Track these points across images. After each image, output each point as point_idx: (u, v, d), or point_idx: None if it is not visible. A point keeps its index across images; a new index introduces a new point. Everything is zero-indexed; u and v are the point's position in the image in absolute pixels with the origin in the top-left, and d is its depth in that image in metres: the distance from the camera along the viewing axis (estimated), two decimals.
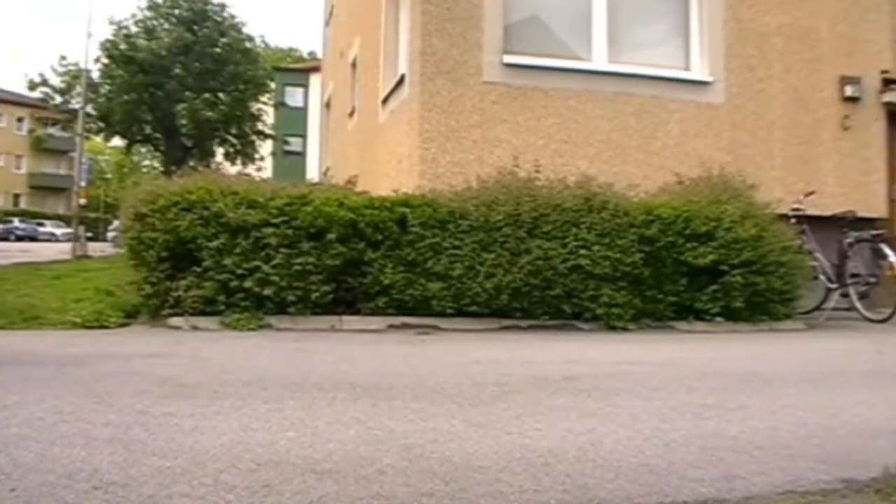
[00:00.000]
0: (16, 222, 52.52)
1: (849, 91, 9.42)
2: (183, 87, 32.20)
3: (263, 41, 39.37)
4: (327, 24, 20.96)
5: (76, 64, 32.68)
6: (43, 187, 65.83)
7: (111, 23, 32.95)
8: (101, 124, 33.82)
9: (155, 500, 1.98)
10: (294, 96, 47.17)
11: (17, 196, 64.28)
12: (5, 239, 43.90)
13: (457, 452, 2.48)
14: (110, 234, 36.17)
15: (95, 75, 32.45)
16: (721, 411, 3.19)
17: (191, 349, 4.96)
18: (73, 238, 22.64)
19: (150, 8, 34.03)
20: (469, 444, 2.58)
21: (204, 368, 4.17)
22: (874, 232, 8.10)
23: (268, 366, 4.38)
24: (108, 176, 62.23)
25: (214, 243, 6.16)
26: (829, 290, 8.13)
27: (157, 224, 6.22)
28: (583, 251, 6.50)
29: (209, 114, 32.12)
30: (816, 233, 8.23)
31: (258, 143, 38.00)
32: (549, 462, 2.40)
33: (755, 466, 2.40)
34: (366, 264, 6.37)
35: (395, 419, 2.90)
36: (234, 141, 36.35)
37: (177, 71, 32.09)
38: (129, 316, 6.40)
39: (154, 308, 6.28)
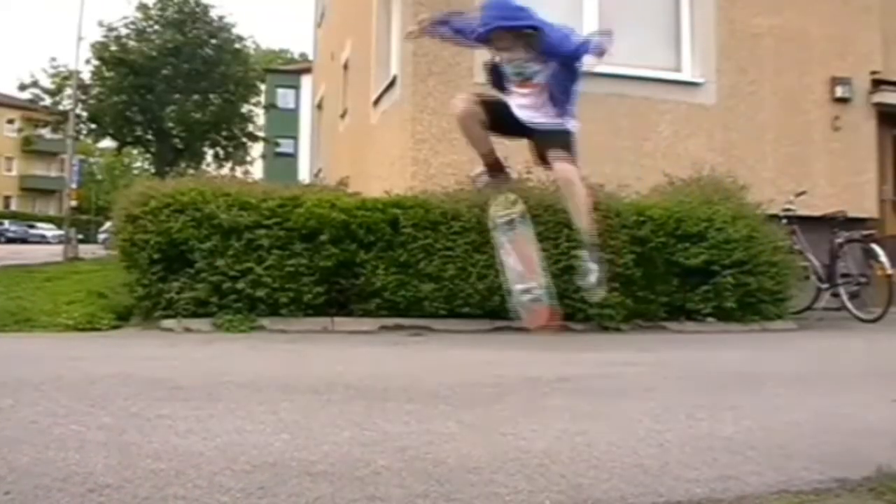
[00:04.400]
0: (6, 224, 52.31)
1: (839, 92, 9.48)
2: (173, 89, 32.10)
3: (254, 42, 39.32)
4: (319, 25, 20.95)
5: (66, 65, 32.57)
6: (34, 189, 65.61)
7: (101, 25, 32.82)
8: (92, 126, 33.69)
9: (150, 503, 1.97)
10: (285, 98, 47.13)
11: (7, 198, 64.06)
12: None
13: (451, 454, 2.48)
14: (101, 236, 36.07)
15: (86, 76, 32.33)
16: (714, 411, 3.19)
17: (184, 351, 4.95)
18: (65, 240, 22.56)
19: (140, 9, 33.92)
20: (464, 446, 2.58)
21: (197, 370, 4.16)
22: (865, 232, 8.14)
23: (261, 368, 4.37)
24: (100, 177, 62.05)
25: (207, 245, 6.15)
26: (819, 290, 8.17)
27: (149, 226, 6.21)
28: (574, 252, 6.50)
29: (197, 116, 32.02)
30: (807, 233, 8.26)
31: (249, 145, 37.91)
32: (544, 463, 2.40)
33: (749, 466, 2.41)
34: (358, 266, 6.37)
35: (389, 421, 2.89)
36: (225, 143, 36.23)
37: (165, 72, 31.95)
38: (122, 318, 6.39)
39: (146, 310, 6.26)
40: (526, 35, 4.88)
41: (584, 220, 4.88)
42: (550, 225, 6.57)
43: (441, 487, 2.15)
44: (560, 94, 5.04)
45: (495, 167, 5.30)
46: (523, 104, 5.02)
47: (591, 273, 4.82)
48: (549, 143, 4.91)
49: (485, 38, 4.87)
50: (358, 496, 2.06)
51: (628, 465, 2.41)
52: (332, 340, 5.72)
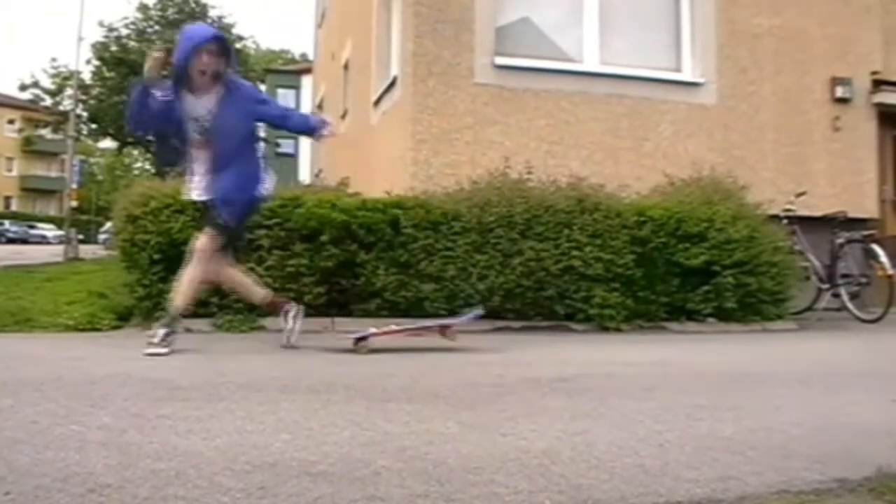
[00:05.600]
0: (7, 224, 52.33)
1: (840, 92, 9.47)
2: None
3: (255, 42, 39.39)
4: (319, 26, 20.96)
5: (66, 66, 32.58)
6: (34, 190, 65.65)
7: (101, 25, 32.84)
8: (93, 126, 33.71)
9: (150, 503, 1.97)
10: (286, 98, 47.06)
11: (7, 199, 64.08)
12: None
13: (452, 454, 2.48)
14: (102, 237, 36.10)
15: (87, 77, 32.35)
16: (715, 411, 3.20)
17: (184, 351, 4.95)
18: (65, 240, 22.57)
19: (140, 9, 33.94)
20: (464, 446, 2.58)
21: (197, 371, 4.16)
22: (865, 232, 8.13)
23: (261, 368, 4.37)
24: (100, 178, 62.10)
25: None
26: (820, 291, 8.16)
27: (149, 226, 6.21)
28: (575, 252, 6.52)
29: None
30: (808, 233, 8.26)
31: None
32: (544, 463, 2.40)
33: (749, 466, 2.41)
34: (359, 266, 6.37)
35: (389, 421, 2.89)
36: None
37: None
38: (122, 318, 6.38)
39: (147, 310, 6.25)
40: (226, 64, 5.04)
41: (179, 297, 4.92)
42: (551, 225, 6.59)
43: (441, 487, 2.15)
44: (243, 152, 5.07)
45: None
46: (202, 179, 5.01)
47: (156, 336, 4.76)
48: (209, 218, 4.98)
49: (185, 67, 4.83)
50: (358, 496, 2.06)
51: (628, 465, 2.41)
52: (332, 340, 5.71)
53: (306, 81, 39.17)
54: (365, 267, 6.37)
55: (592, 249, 6.55)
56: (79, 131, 30.88)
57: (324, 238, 6.28)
